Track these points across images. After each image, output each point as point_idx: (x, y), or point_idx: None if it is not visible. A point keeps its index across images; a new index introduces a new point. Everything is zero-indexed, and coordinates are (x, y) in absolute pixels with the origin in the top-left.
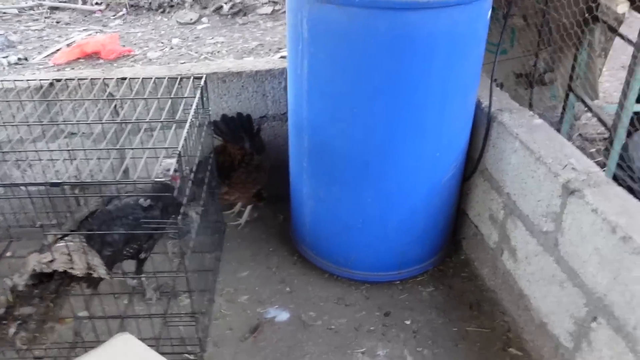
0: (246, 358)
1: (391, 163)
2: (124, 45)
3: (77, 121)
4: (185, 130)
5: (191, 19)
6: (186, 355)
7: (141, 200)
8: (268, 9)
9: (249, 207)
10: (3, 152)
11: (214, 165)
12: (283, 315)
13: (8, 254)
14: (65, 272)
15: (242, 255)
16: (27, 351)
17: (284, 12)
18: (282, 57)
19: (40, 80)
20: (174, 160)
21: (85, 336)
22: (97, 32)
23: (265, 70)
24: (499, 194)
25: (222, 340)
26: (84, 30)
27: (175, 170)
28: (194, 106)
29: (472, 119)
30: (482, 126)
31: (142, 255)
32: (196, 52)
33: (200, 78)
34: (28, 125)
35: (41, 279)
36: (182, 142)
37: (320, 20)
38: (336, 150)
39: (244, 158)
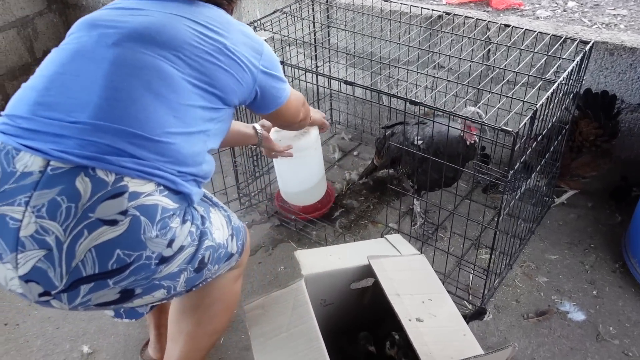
0: (521, 335)
1: None
2: None
3: (449, 55)
4: (550, 91)
5: None
6: (465, 302)
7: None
8: None
9: (573, 190)
10: (381, 64)
11: (564, 137)
12: (578, 315)
13: (355, 152)
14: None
15: (558, 239)
16: (342, 235)
17: None
18: None
19: (432, 10)
20: (473, 109)
21: None
22: None
23: None
24: None
25: (504, 307)
26: None
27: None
28: (568, 69)
29: None
30: None
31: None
32: (589, 21)
33: (587, 43)
34: (409, 47)
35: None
36: (542, 100)
37: None
38: None
39: (596, 139)
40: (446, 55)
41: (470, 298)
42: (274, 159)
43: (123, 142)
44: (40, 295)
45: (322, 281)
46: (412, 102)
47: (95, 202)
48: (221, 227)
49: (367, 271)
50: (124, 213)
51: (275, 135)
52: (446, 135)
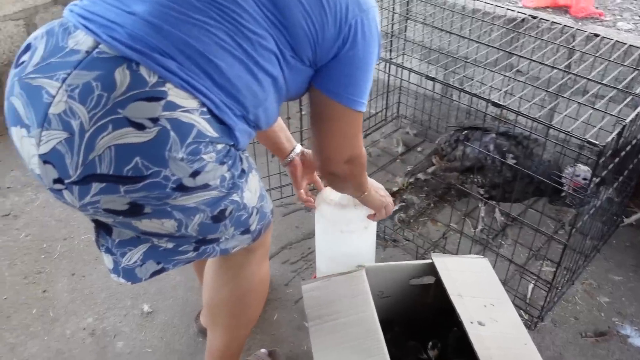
0: (577, 352)
1: None
2: (597, 7)
3: (531, 59)
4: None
5: None
6: (522, 312)
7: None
8: None
9: None
10: (455, 59)
11: None
12: (639, 341)
13: (419, 149)
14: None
15: (624, 260)
16: (400, 229)
17: None
18: None
19: (518, 12)
20: (586, 169)
21: (447, 244)
22: None
23: None
24: None
25: (562, 322)
26: None
27: (585, 179)
28: None
29: None
30: None
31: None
32: None
33: None
34: (491, 47)
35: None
36: (632, 116)
37: None
38: None
39: None
40: (528, 59)
41: (528, 309)
42: (316, 229)
43: (172, 47)
44: (55, 181)
45: (381, 273)
46: (496, 105)
47: (128, 98)
48: (254, 192)
49: (427, 268)
50: (154, 121)
51: (326, 194)
52: (540, 159)
